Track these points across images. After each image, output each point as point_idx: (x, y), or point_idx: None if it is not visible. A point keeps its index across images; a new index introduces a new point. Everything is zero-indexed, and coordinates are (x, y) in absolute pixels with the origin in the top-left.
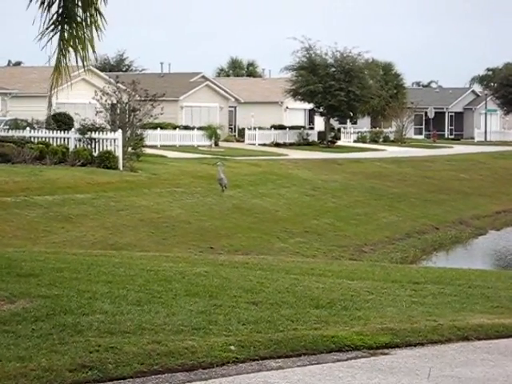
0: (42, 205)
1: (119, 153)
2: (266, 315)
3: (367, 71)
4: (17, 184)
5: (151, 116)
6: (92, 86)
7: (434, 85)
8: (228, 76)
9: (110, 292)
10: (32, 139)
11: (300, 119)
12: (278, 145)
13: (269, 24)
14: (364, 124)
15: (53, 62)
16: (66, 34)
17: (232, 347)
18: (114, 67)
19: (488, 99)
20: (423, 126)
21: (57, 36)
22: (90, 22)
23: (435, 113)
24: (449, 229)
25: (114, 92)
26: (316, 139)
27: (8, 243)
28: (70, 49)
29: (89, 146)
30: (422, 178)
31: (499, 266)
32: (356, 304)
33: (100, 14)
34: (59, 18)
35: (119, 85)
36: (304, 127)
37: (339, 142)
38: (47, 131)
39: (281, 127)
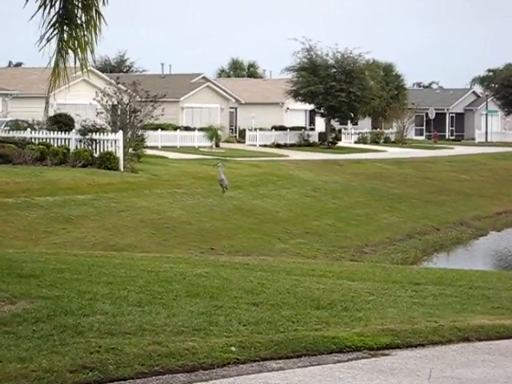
0: (42, 206)
1: (120, 154)
2: (267, 316)
3: (368, 72)
4: (18, 185)
5: (152, 117)
6: (93, 87)
7: (434, 86)
8: (229, 77)
9: (111, 293)
10: (33, 140)
11: (301, 120)
12: (278, 146)
13: (268, 24)
14: (365, 125)
15: (53, 63)
16: (65, 36)
17: (233, 348)
18: (115, 68)
19: (489, 100)
20: (424, 127)
21: (56, 37)
22: (90, 23)
23: (436, 114)
24: (449, 230)
25: (115, 93)
26: (317, 140)
27: (9, 244)
28: (70, 50)
29: (89, 147)
30: (422, 179)
31: (500, 267)
32: (357, 305)
33: (100, 15)
34: (59, 20)
35: (120, 86)
36: (305, 128)
37: (340, 143)
38: (48, 132)
39: (282, 128)
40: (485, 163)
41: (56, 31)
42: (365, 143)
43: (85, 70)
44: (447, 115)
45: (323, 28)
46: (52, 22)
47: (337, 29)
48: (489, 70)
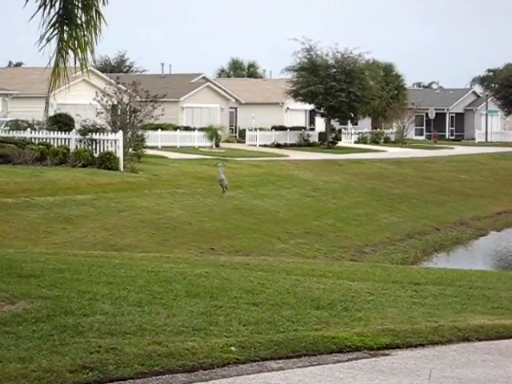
0: (42, 206)
1: (120, 154)
2: (267, 316)
3: (368, 72)
4: (18, 185)
5: (152, 117)
6: (93, 87)
7: (434, 86)
8: (229, 77)
9: (111, 293)
10: (33, 140)
11: (301, 120)
12: (278, 146)
13: (268, 25)
14: (365, 125)
15: (53, 63)
16: (65, 36)
17: (233, 348)
18: (115, 68)
19: (489, 100)
20: (424, 127)
21: (56, 37)
22: (90, 23)
23: (436, 114)
24: (449, 230)
25: (115, 93)
26: (317, 140)
27: (9, 244)
28: (70, 50)
29: (89, 147)
30: (422, 179)
31: (500, 267)
32: (357, 305)
33: (100, 15)
34: (59, 20)
35: (120, 86)
36: (305, 128)
37: (340, 143)
38: (48, 132)
39: (282, 128)
40: (485, 163)
41: (56, 31)
42: (365, 143)
43: (85, 70)
44: (447, 115)
45: (323, 28)
46: (52, 22)
47: (337, 29)
48: (489, 70)
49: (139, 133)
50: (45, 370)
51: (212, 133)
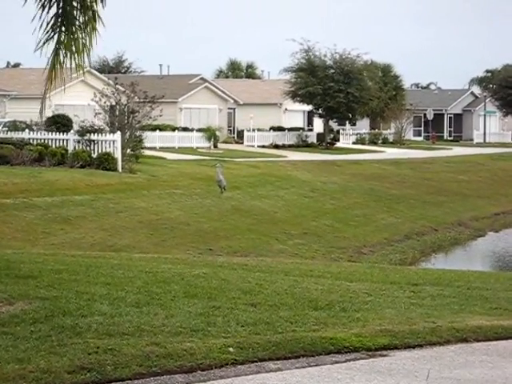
0: (40, 206)
1: (118, 154)
2: (265, 317)
3: (366, 73)
4: (16, 186)
5: (150, 118)
6: (91, 88)
7: (432, 86)
8: (227, 78)
9: (109, 294)
10: (31, 141)
11: (299, 121)
12: (277, 146)
13: (267, 27)
14: (363, 126)
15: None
16: (62, 37)
17: (231, 349)
18: (113, 69)
19: (487, 101)
20: (422, 128)
21: (54, 38)
22: (88, 25)
23: (434, 114)
24: (448, 230)
25: (113, 94)
26: (315, 141)
27: (7, 245)
28: (67, 51)
29: (88, 148)
30: (420, 180)
31: (498, 268)
32: (355, 305)
33: (98, 16)
34: (57, 21)
35: (118, 86)
36: (303, 129)
37: (338, 144)
38: (46, 133)
39: (280, 129)
40: (483, 164)
41: (54, 32)
42: (363, 144)
43: (82, 71)
44: (445, 116)
45: (322, 29)
46: (50, 24)
47: (335, 30)
48: (487, 71)
49: (137, 133)
50: (43, 370)
51: (210, 134)
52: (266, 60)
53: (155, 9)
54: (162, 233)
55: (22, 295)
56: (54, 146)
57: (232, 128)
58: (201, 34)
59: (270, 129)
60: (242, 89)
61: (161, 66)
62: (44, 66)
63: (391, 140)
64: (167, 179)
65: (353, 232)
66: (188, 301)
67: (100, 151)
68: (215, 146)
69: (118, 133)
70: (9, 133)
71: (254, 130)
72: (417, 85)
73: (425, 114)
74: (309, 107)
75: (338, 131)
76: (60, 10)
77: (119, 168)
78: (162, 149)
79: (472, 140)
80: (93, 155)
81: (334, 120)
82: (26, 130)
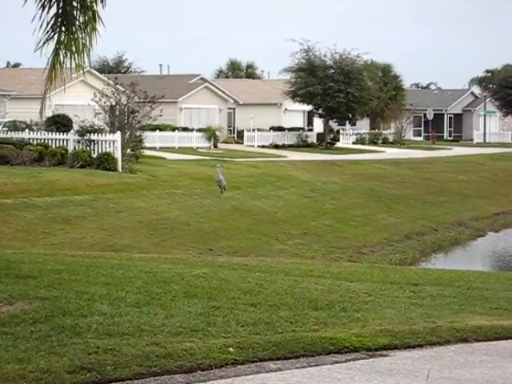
0: (40, 206)
1: (118, 154)
2: (265, 317)
3: (366, 73)
4: (16, 186)
5: (150, 118)
6: (91, 88)
7: (433, 86)
8: (227, 78)
9: (109, 294)
10: (31, 141)
11: (299, 121)
12: (276, 146)
13: (267, 27)
14: (363, 126)
15: (50, 64)
16: (62, 37)
17: (231, 349)
18: (113, 69)
19: (487, 101)
20: (422, 128)
21: (54, 38)
22: (88, 25)
23: (434, 114)
24: (447, 230)
25: (113, 94)
26: (315, 141)
27: (7, 245)
28: (67, 51)
29: (88, 148)
30: (420, 180)
31: (498, 268)
32: (355, 306)
33: (98, 16)
34: (57, 21)
35: (118, 86)
36: (303, 129)
37: (338, 144)
38: (46, 133)
39: (280, 129)
40: (483, 164)
41: (54, 32)
42: (363, 144)
43: (82, 71)
44: (445, 116)
45: (322, 30)
46: (50, 24)
47: (336, 30)
48: (487, 71)
49: (137, 133)
50: (43, 370)
51: (210, 133)
52: (266, 60)
53: (155, 9)
54: (162, 233)
55: (22, 295)
56: (54, 146)
57: (232, 128)
58: (201, 34)
59: (270, 129)
60: (242, 89)
61: (161, 66)
62: (44, 66)
63: (391, 140)
64: (167, 179)
65: (353, 232)
66: (188, 301)
67: (100, 151)
68: (215, 146)
69: (118, 133)
70: (9, 133)
71: (253, 130)
72: (417, 85)
73: (425, 114)
74: (309, 107)
75: (337, 131)
76: (60, 10)
77: (119, 168)
78: (161, 149)
79: (472, 140)
80: (93, 155)
81: (334, 120)
82: (26, 130)
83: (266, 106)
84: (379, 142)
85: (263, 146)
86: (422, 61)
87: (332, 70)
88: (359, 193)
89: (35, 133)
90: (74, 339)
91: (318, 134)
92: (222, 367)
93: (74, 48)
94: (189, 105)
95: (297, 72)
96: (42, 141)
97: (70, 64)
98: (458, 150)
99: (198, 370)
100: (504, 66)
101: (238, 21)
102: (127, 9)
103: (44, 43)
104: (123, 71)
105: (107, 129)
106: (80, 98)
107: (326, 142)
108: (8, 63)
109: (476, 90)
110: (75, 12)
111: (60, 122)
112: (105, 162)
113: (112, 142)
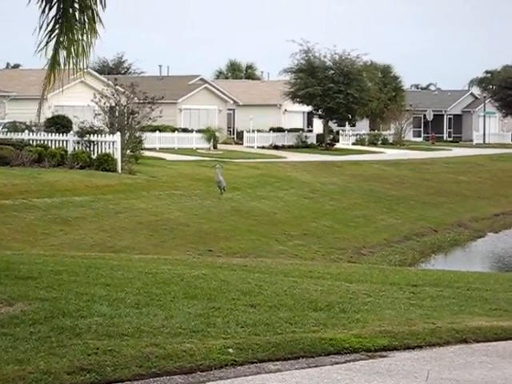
0: (40, 207)
1: (118, 155)
2: (265, 318)
3: (366, 74)
4: (15, 187)
5: (150, 118)
6: (90, 89)
7: (432, 87)
8: (227, 78)
9: (109, 295)
10: (30, 142)
11: (299, 122)
12: (276, 147)
13: (267, 28)
14: (363, 126)
15: (50, 66)
16: (62, 38)
17: (230, 350)
18: (113, 70)
19: (486, 102)
20: (422, 129)
21: (54, 39)
22: (88, 26)
23: (434, 115)
24: (447, 231)
25: (113, 94)
26: (315, 142)
27: (7, 246)
28: (66, 52)
29: (87, 149)
30: (420, 181)
31: (498, 269)
32: (354, 306)
33: (98, 17)
34: (57, 22)
35: (118, 87)
36: (303, 130)
37: (338, 145)
38: (46, 134)
39: (279, 130)
40: (482, 165)
41: (54, 33)
42: (363, 145)
43: (82, 72)
44: (445, 117)
45: (322, 31)
46: (50, 25)
47: (335, 32)
48: (486, 72)
49: (137, 134)
50: (42, 371)
51: (210, 134)
52: (266, 61)
53: (155, 10)
54: (162, 234)
55: (21, 296)
56: (53, 146)
57: (232, 129)
58: (201, 34)
59: (270, 130)
60: (241, 90)
61: (160, 66)
62: (43, 66)
63: (391, 141)
64: (167, 180)
65: (352, 233)
66: (188, 302)
67: (100, 152)
68: (215, 147)
69: (118, 134)
70: (8, 134)
71: (253, 131)
72: (416, 86)
73: (424, 115)
74: (308, 108)
75: (337, 132)
76: (60, 11)
77: (119, 169)
78: (161, 150)
79: (472, 141)
80: (92, 156)
81: (334, 121)
82: (26, 131)
83: (266, 107)
84: (379, 142)
85: (263, 147)
86: (422, 62)
87: (332, 71)
88: (359, 194)
89: (35, 134)
90: (74, 340)
91: (318, 135)
92: (221, 368)
93: (73, 49)
94: (188, 106)
95: (296, 73)
96: (42, 142)
97: (70, 65)
98: (457, 151)
99: (197, 371)
100: (503, 67)
101: (237, 22)
102: (127, 9)
103: (45, 45)
104: (123, 72)
105: (107, 130)
106: (80, 99)
107: (326, 142)
108: (8, 64)
109: (476, 90)
110: (75, 13)
111: (59, 123)
112: (104, 163)
113: (112, 143)
